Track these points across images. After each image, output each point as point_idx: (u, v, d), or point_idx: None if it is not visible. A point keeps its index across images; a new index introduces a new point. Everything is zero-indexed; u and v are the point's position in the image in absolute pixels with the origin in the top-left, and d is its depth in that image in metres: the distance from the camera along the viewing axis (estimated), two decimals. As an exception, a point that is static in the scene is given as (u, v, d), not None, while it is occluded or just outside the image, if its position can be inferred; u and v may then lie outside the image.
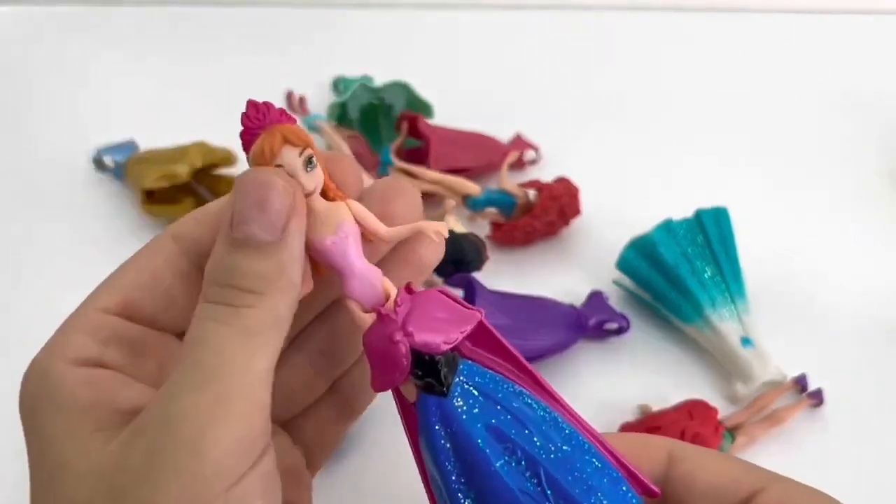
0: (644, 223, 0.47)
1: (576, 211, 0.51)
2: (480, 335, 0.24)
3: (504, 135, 0.57)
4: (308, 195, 0.23)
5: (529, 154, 0.57)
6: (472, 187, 0.50)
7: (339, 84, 0.63)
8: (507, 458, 0.22)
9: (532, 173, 0.56)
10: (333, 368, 0.28)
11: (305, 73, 0.64)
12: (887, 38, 0.71)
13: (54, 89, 0.65)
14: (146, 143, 0.56)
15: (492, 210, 0.50)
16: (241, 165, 0.53)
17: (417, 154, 0.53)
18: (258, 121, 0.23)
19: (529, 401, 0.24)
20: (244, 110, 0.23)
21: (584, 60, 0.68)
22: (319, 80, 0.64)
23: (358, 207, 0.24)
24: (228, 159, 0.52)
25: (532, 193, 0.50)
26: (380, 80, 0.61)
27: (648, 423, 0.40)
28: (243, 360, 0.21)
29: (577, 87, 0.65)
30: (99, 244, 0.52)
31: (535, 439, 0.23)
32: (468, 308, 0.24)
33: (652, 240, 0.46)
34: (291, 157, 0.23)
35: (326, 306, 0.28)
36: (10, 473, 0.39)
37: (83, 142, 0.57)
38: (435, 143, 0.53)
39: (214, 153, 0.52)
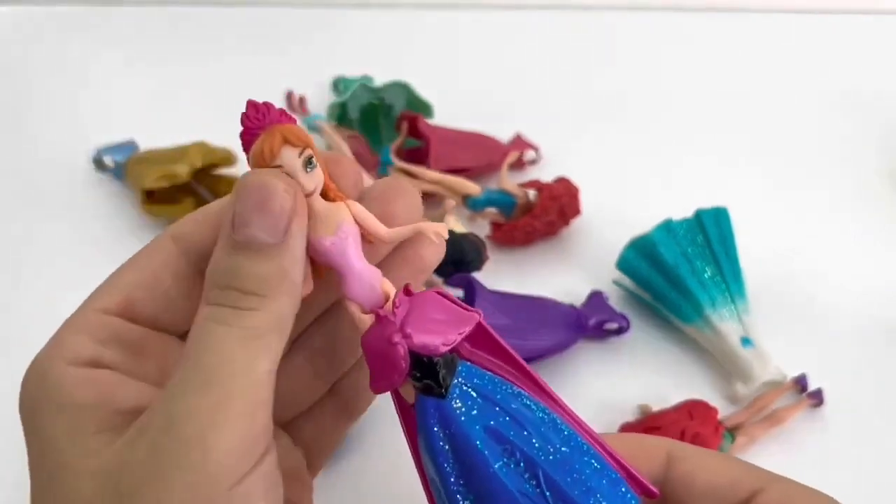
0: (644, 223, 0.47)
1: (576, 211, 0.51)
2: (479, 336, 0.24)
3: (504, 135, 0.57)
4: (308, 195, 0.23)
5: (529, 154, 0.57)
6: (472, 187, 0.50)
7: (339, 84, 0.63)
8: (505, 459, 0.22)
9: (532, 173, 0.56)
10: (334, 370, 0.28)
11: (305, 73, 0.64)
12: (887, 38, 0.71)
13: (54, 89, 0.65)
14: (146, 143, 0.56)
15: (492, 210, 0.50)
16: (242, 165, 0.53)
17: (417, 154, 0.53)
18: (258, 121, 0.23)
19: (528, 402, 0.24)
20: (244, 110, 0.23)
21: (584, 60, 0.68)
22: (319, 80, 0.64)
23: (358, 208, 0.24)
24: (228, 159, 0.52)
25: (532, 193, 0.50)
26: (380, 80, 0.61)
27: (648, 423, 0.40)
28: (245, 362, 0.21)
29: (577, 87, 0.65)
30: (99, 244, 0.52)
31: (534, 440, 0.23)
32: (467, 309, 0.24)
33: (652, 240, 0.46)
34: (291, 157, 0.23)
35: (327, 308, 0.28)
36: (10, 473, 0.39)
37: (83, 142, 0.57)
38: (435, 143, 0.53)
39: (214, 153, 0.52)
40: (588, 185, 0.51)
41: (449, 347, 0.23)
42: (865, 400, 0.43)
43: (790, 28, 0.72)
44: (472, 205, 0.50)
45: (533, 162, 0.58)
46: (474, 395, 0.23)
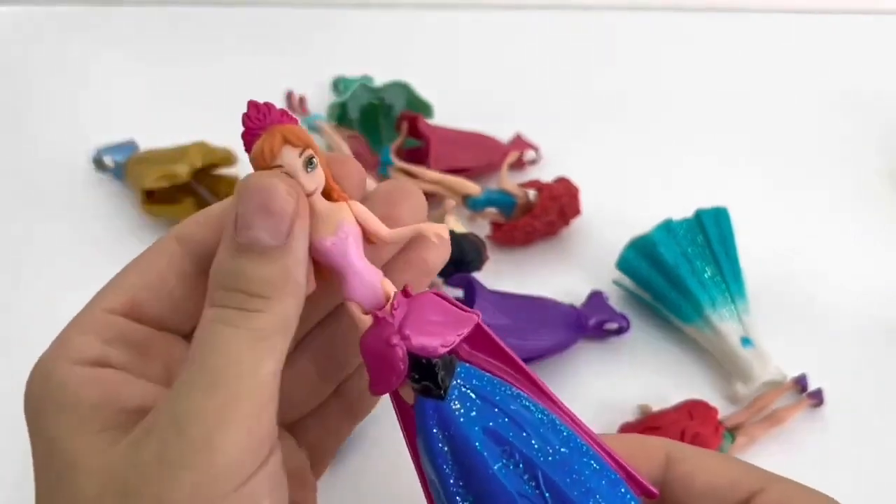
0: (644, 223, 0.47)
1: (576, 211, 0.51)
2: (478, 338, 0.24)
3: (504, 135, 0.57)
4: (308, 195, 0.23)
5: (529, 154, 0.57)
6: (472, 187, 0.50)
7: (339, 84, 0.63)
8: (504, 460, 0.22)
9: (532, 173, 0.56)
10: (338, 372, 0.28)
11: (305, 73, 0.64)
12: (887, 38, 0.71)
13: (54, 89, 0.65)
14: (146, 143, 0.56)
15: (492, 210, 0.50)
16: (242, 165, 0.53)
17: (417, 154, 0.53)
18: (259, 121, 0.23)
19: (527, 403, 0.24)
20: (245, 111, 0.23)
21: (584, 60, 0.68)
22: (319, 80, 0.64)
23: (359, 208, 0.24)
24: (228, 159, 0.52)
25: (532, 193, 0.50)
26: (380, 80, 0.61)
27: (648, 423, 0.40)
28: (251, 364, 0.21)
29: (577, 87, 0.65)
30: (99, 244, 0.52)
31: (533, 442, 0.23)
32: (465, 311, 0.24)
33: (652, 240, 0.46)
34: (291, 157, 0.23)
35: (331, 310, 0.28)
36: (10, 473, 0.39)
37: (83, 142, 0.57)
38: (435, 143, 0.53)
39: (214, 153, 0.52)
40: (588, 185, 0.51)
41: (447, 349, 0.23)
42: (865, 400, 0.43)
43: (790, 28, 0.72)
44: (472, 205, 0.50)
45: (533, 162, 0.58)
46: (473, 396, 0.23)
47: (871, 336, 0.46)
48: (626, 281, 0.48)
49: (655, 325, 0.47)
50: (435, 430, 0.23)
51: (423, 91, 0.59)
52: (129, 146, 0.56)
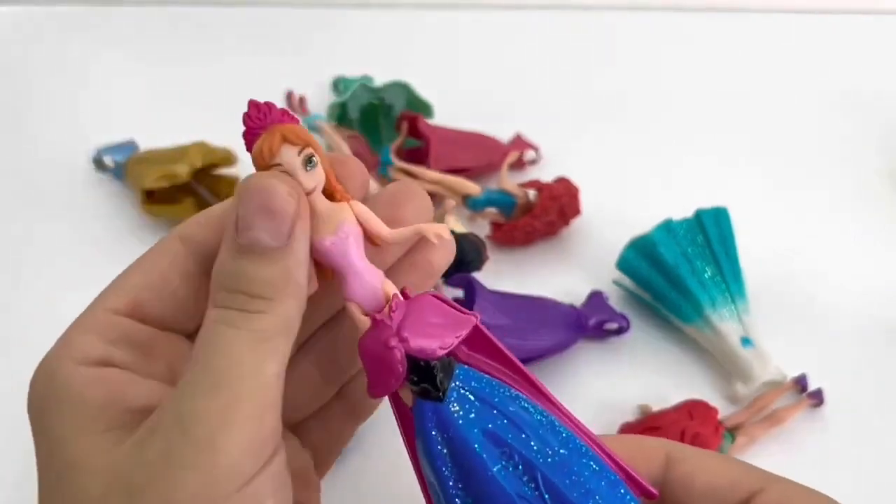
0: (644, 223, 0.47)
1: (576, 211, 0.51)
2: (476, 339, 0.24)
3: (504, 135, 0.57)
4: (308, 194, 0.23)
5: (529, 154, 0.57)
6: (472, 187, 0.50)
7: (339, 84, 0.63)
8: (504, 462, 0.22)
9: (532, 173, 0.56)
10: (341, 374, 0.28)
11: (305, 73, 0.64)
12: (887, 38, 0.71)
13: (54, 89, 0.65)
14: (146, 143, 0.56)
15: (492, 210, 0.50)
16: (242, 165, 0.53)
17: (417, 154, 0.53)
18: (259, 120, 0.23)
19: (526, 405, 0.24)
20: (246, 110, 0.23)
21: (584, 60, 0.68)
22: (319, 80, 0.64)
23: (361, 208, 0.24)
24: (228, 159, 0.52)
25: (532, 193, 0.50)
26: (380, 80, 0.61)
27: (648, 423, 0.40)
28: (254, 365, 0.22)
29: (577, 87, 0.65)
30: (99, 244, 0.52)
31: (532, 443, 0.23)
32: (464, 312, 0.24)
33: (652, 240, 0.46)
34: (290, 155, 0.23)
35: (335, 313, 0.28)
36: (10, 473, 0.39)
37: (83, 142, 0.57)
38: (435, 143, 0.53)
39: (214, 153, 0.52)
40: (588, 185, 0.51)
41: (446, 351, 0.23)
42: (865, 400, 0.43)
43: (790, 28, 0.72)
44: (472, 205, 0.50)
45: (533, 162, 0.58)
46: (472, 398, 0.23)
47: (871, 336, 0.46)
48: (626, 281, 0.48)
49: (655, 325, 0.47)
50: (434, 433, 0.23)
51: (423, 91, 0.59)
52: (129, 146, 0.56)
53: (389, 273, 0.25)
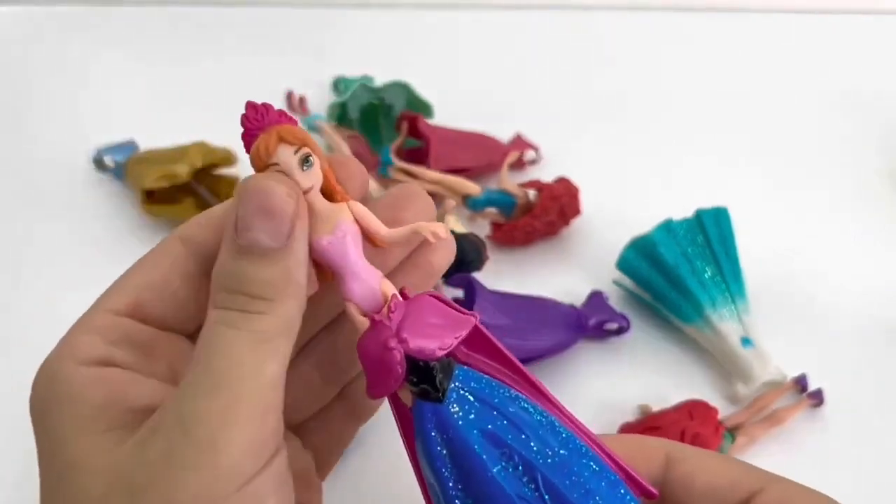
0: (644, 223, 0.47)
1: (576, 211, 0.51)
2: (476, 339, 0.24)
3: (504, 135, 0.57)
4: (304, 193, 0.24)
5: (529, 154, 0.57)
6: (472, 187, 0.50)
7: (339, 84, 0.63)
8: (503, 463, 0.22)
9: (532, 173, 0.56)
10: (342, 375, 0.28)
11: (305, 73, 0.64)
12: (887, 38, 0.71)
13: (54, 89, 0.65)
14: (146, 143, 0.56)
15: (492, 210, 0.50)
16: (242, 165, 0.53)
17: (417, 154, 0.53)
18: (257, 122, 0.23)
19: (526, 405, 0.24)
20: (244, 112, 0.23)
21: (584, 60, 0.68)
22: (319, 80, 0.64)
23: (359, 208, 0.24)
24: (228, 159, 0.52)
25: (532, 193, 0.50)
26: (380, 80, 0.61)
27: (648, 423, 0.40)
28: (255, 365, 0.22)
29: (577, 87, 0.65)
30: (99, 244, 0.52)
31: (532, 444, 0.23)
32: (463, 313, 0.24)
33: (652, 240, 0.46)
34: (287, 155, 0.23)
35: (336, 315, 0.28)
36: (10, 473, 0.39)
37: (83, 142, 0.58)
38: (435, 143, 0.53)
39: (214, 153, 0.52)
40: (588, 185, 0.51)
41: (445, 352, 0.23)
42: (865, 400, 0.43)
43: (790, 28, 0.72)
44: (472, 205, 0.50)
45: (533, 162, 0.58)
46: (471, 399, 0.23)
47: (871, 336, 0.46)
48: (626, 281, 0.48)
49: (655, 325, 0.47)
50: (433, 434, 0.23)
51: (423, 91, 0.59)
52: (129, 146, 0.56)
53: (390, 273, 0.25)
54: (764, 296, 0.47)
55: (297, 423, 0.28)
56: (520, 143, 0.57)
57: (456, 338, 0.23)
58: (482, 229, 0.51)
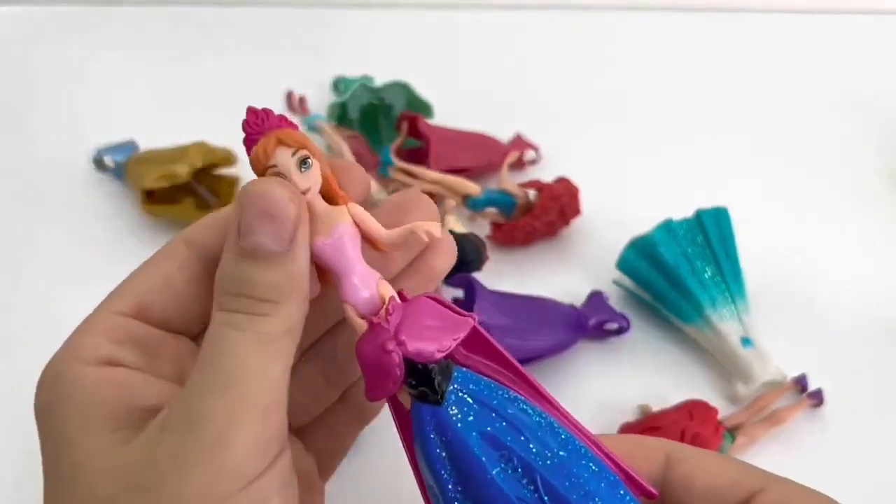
0: (644, 223, 0.47)
1: (576, 211, 0.51)
2: (474, 340, 0.24)
3: (504, 135, 0.57)
4: (302, 194, 0.24)
5: (529, 154, 0.57)
6: (472, 187, 0.50)
7: (339, 84, 0.63)
8: (503, 465, 0.22)
9: (532, 173, 0.56)
10: (344, 378, 0.28)
11: (305, 73, 0.64)
12: (887, 38, 0.71)
13: (54, 89, 0.65)
14: (146, 143, 0.56)
15: (492, 210, 0.50)
16: (242, 165, 0.53)
17: (417, 154, 0.53)
18: (258, 126, 0.24)
19: (525, 406, 0.23)
20: (245, 117, 0.24)
21: (584, 60, 0.68)
22: (319, 80, 0.64)
23: (358, 210, 0.25)
24: (228, 159, 0.52)
25: (532, 193, 0.50)
26: (380, 80, 0.61)
27: (648, 423, 0.40)
28: (260, 367, 0.22)
29: (577, 87, 0.65)
30: (99, 244, 0.52)
31: (531, 445, 0.23)
32: (461, 314, 0.24)
33: (652, 240, 0.46)
34: (285, 157, 0.23)
35: (339, 318, 0.28)
36: (10, 473, 0.39)
37: (83, 142, 0.57)
38: (435, 143, 0.53)
39: (214, 153, 0.52)
40: (588, 185, 0.51)
41: (444, 353, 0.23)
42: (865, 400, 0.43)
43: (790, 28, 0.72)
44: (472, 205, 0.50)
45: (533, 162, 0.58)
46: (470, 400, 0.23)
47: (871, 336, 0.46)
48: (626, 281, 0.48)
49: (655, 325, 0.47)
50: (432, 436, 0.23)
51: (423, 91, 0.59)
52: (129, 146, 0.56)
53: (392, 277, 0.26)
54: (764, 296, 0.47)
55: (300, 426, 0.28)
56: (520, 143, 0.57)
57: (454, 340, 0.23)
58: (482, 229, 0.51)
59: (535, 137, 0.58)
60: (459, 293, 0.44)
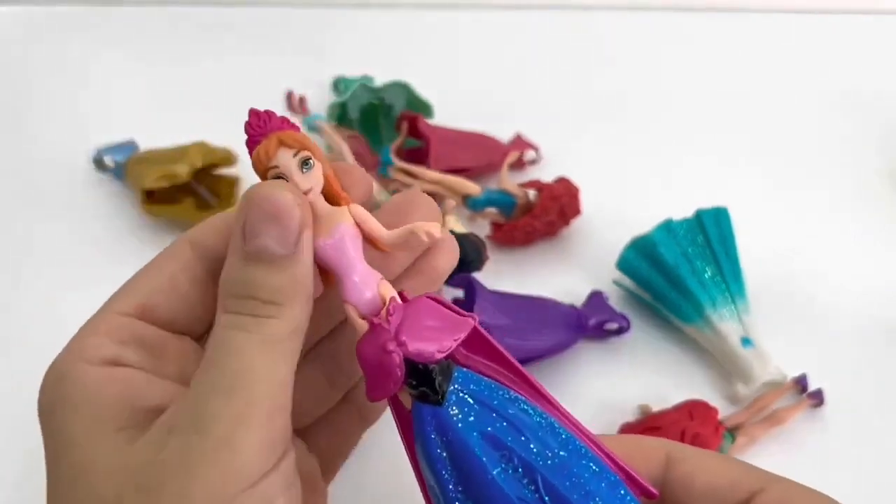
0: (644, 223, 0.47)
1: (576, 211, 0.51)
2: (475, 341, 0.24)
3: (504, 135, 0.57)
4: (304, 194, 0.24)
5: (529, 154, 0.57)
6: (472, 187, 0.50)
7: (339, 84, 0.63)
8: (503, 465, 0.22)
9: (532, 173, 0.56)
10: (347, 379, 0.29)
11: (305, 73, 0.64)
12: (887, 38, 0.71)
13: (54, 89, 0.65)
14: (146, 143, 0.56)
15: (492, 210, 0.50)
16: (242, 165, 0.53)
17: (417, 154, 0.53)
18: (260, 128, 0.24)
19: (525, 406, 0.24)
20: (247, 119, 0.24)
21: (584, 60, 0.68)
22: (319, 80, 0.64)
23: (359, 211, 0.25)
24: (228, 159, 0.52)
25: (532, 193, 0.50)
26: (380, 80, 0.61)
27: (648, 423, 0.40)
28: (266, 368, 0.22)
29: (577, 87, 0.65)
30: (99, 244, 0.52)
31: (532, 445, 0.23)
32: (462, 315, 0.24)
33: (652, 240, 0.46)
34: (286, 158, 0.24)
35: (341, 320, 0.28)
36: (11, 473, 0.39)
37: (83, 142, 0.57)
38: (435, 143, 0.53)
39: (214, 153, 0.52)
40: (588, 185, 0.51)
41: (444, 354, 0.23)
42: (865, 400, 0.43)
43: (790, 28, 0.72)
44: (472, 205, 0.50)
45: (533, 162, 0.58)
46: (471, 401, 0.23)
47: (871, 336, 0.46)
48: (626, 281, 0.48)
49: (655, 325, 0.47)
50: (433, 436, 0.23)
51: (423, 91, 0.59)
52: (129, 146, 0.56)
53: (395, 278, 0.26)
54: (764, 296, 0.47)
55: (303, 427, 0.28)
56: (520, 143, 0.57)
57: (455, 340, 0.23)
58: (482, 229, 0.51)
59: (535, 137, 0.58)
60: (460, 293, 0.44)
